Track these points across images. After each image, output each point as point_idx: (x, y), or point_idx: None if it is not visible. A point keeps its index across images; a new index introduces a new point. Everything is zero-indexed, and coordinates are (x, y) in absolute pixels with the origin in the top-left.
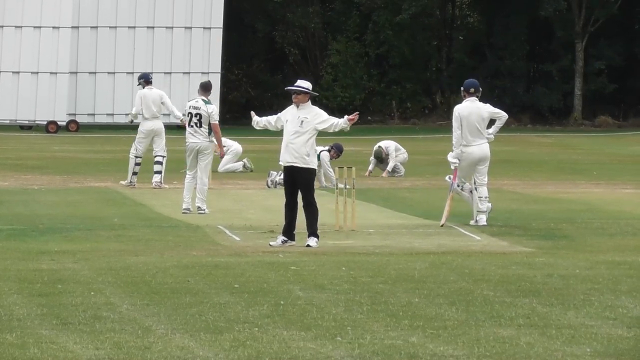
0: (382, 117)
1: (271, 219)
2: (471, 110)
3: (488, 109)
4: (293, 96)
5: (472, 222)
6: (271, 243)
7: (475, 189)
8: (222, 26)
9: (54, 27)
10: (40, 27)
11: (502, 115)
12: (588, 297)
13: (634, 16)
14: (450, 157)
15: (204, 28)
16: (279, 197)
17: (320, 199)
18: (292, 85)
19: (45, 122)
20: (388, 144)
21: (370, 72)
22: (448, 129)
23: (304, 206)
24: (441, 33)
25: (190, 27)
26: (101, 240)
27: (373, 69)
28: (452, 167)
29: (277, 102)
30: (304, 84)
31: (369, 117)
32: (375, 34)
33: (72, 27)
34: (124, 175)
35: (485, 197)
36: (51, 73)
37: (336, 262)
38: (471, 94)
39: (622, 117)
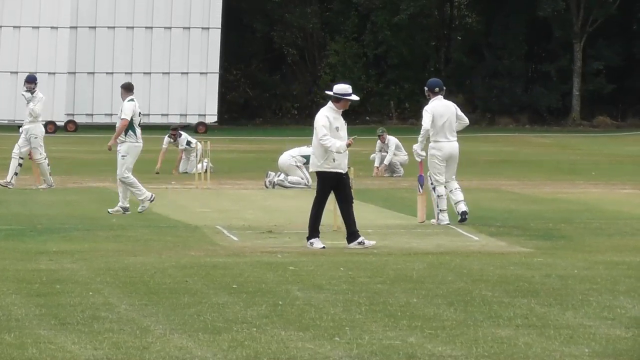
0: (381, 117)
1: (269, 219)
2: (444, 108)
3: (456, 107)
4: (341, 103)
5: (432, 221)
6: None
7: (445, 186)
8: (220, 26)
9: (52, 27)
10: (38, 27)
11: (465, 122)
12: (586, 298)
13: (633, 16)
14: (418, 149)
15: (203, 28)
16: (278, 198)
17: None
18: (344, 94)
19: (43, 123)
20: (391, 138)
21: (368, 73)
22: None
23: (345, 204)
24: (439, 33)
25: (189, 27)
26: (99, 241)
27: (371, 69)
28: (419, 160)
29: (275, 102)
30: (347, 89)
31: (367, 118)
32: (373, 34)
33: (71, 27)
34: None
35: (457, 188)
36: (49, 73)
37: (334, 262)
38: (436, 93)
39: (620, 117)
